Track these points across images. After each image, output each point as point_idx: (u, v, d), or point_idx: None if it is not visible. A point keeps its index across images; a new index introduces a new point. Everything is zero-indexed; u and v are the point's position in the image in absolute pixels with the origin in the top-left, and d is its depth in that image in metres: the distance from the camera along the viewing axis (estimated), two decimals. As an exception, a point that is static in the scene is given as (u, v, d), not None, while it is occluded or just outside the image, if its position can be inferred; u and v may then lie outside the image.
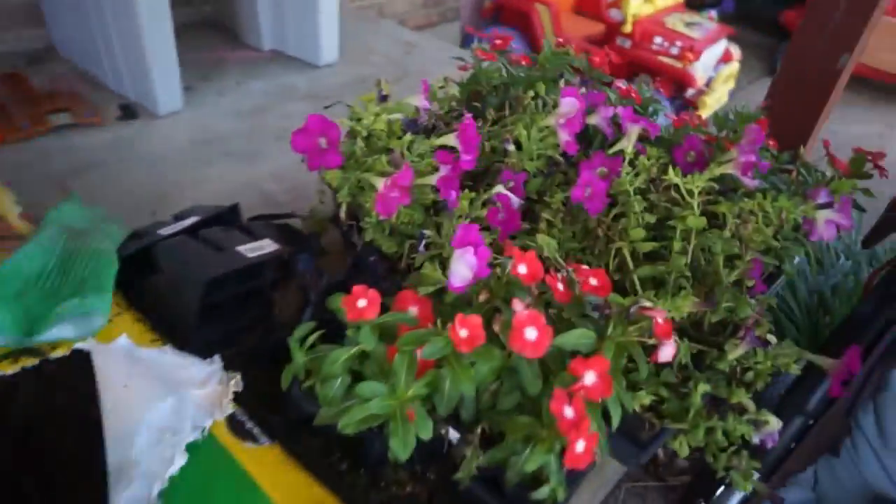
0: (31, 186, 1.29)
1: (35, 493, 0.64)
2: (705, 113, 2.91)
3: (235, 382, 0.81)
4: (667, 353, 0.66)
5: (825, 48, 1.20)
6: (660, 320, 0.65)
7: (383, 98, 0.94)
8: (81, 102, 1.62)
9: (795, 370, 0.75)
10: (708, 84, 2.93)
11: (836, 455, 0.98)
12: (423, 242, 0.86)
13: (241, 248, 0.96)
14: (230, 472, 0.71)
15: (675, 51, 2.82)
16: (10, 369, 0.76)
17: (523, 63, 1.27)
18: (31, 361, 0.79)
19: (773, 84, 1.31)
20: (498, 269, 0.75)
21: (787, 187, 1.00)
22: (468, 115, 0.84)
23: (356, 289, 0.71)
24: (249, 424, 0.78)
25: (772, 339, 0.86)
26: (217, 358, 0.84)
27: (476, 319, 0.67)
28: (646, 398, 0.75)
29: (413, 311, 0.76)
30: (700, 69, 2.84)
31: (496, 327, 0.69)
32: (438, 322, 0.70)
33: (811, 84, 1.24)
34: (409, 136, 0.87)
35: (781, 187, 0.99)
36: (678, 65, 2.81)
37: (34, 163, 1.43)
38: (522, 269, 0.71)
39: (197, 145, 1.59)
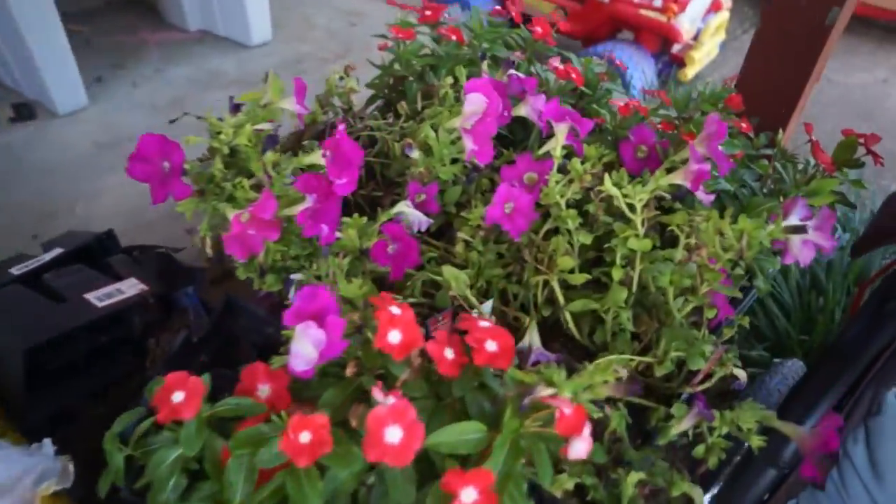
0: None
1: None
2: (693, 70, 2.66)
3: (61, 477, 0.65)
4: (578, 450, 0.49)
5: (811, 1, 0.99)
6: (566, 411, 0.48)
7: (236, 108, 0.75)
8: (-31, 105, 1.43)
9: (757, 442, 0.57)
10: (696, 37, 2.67)
11: (821, 488, 0.82)
12: (293, 289, 0.69)
13: (92, 296, 0.78)
14: None
15: (657, 2, 2.56)
16: None
17: (454, 38, 1.06)
18: None
19: (751, 46, 1.10)
20: (370, 333, 0.58)
21: (760, 185, 0.81)
22: (340, 125, 0.66)
23: (171, 378, 0.54)
24: None
25: (740, 374, 0.69)
26: (46, 443, 0.67)
27: (320, 420, 0.50)
28: (568, 482, 0.58)
29: (264, 390, 0.59)
30: (686, 21, 2.58)
31: (353, 422, 0.52)
32: (283, 413, 0.53)
33: (795, 44, 1.03)
34: (270, 154, 0.69)
35: (753, 185, 0.80)
36: (662, 18, 2.56)
37: None
38: (394, 338, 0.54)
39: (100, 149, 1.40)
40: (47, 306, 0.75)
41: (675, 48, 2.65)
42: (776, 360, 1.20)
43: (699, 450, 0.58)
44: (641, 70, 2.48)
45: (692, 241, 0.64)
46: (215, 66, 1.73)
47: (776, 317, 1.41)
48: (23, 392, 0.70)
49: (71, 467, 0.67)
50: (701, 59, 2.70)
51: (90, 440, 0.72)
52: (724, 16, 2.77)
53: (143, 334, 0.85)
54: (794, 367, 1.10)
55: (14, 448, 0.66)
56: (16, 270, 0.87)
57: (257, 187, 0.72)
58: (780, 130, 0.84)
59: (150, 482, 0.58)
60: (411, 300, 0.72)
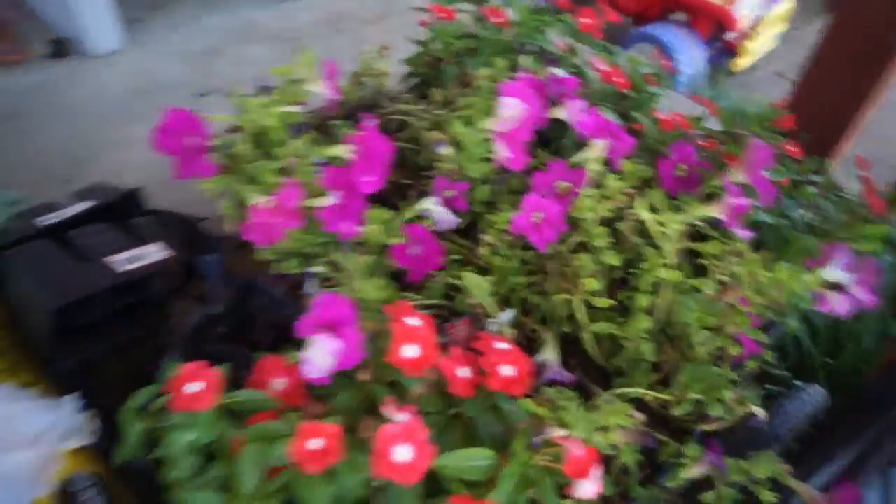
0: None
1: None
2: (746, 61, 2.55)
3: (84, 433, 0.66)
4: (586, 490, 0.49)
5: (881, 17, 0.93)
6: (577, 452, 0.48)
7: (268, 89, 0.73)
8: (6, 36, 1.42)
9: (769, 498, 0.57)
10: (753, 26, 2.54)
11: None
12: (311, 285, 0.68)
13: (116, 259, 0.79)
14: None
15: (717, -16, 2.44)
16: None
17: (494, 21, 1.02)
18: None
19: (809, 64, 1.04)
20: (383, 343, 0.57)
21: (803, 216, 0.78)
22: (368, 118, 0.64)
23: (187, 368, 0.54)
24: (87, 495, 0.64)
25: (759, 412, 0.67)
26: (71, 399, 0.69)
27: (332, 429, 0.50)
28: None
29: (278, 384, 0.59)
30: (745, 7, 2.46)
31: (363, 433, 0.52)
32: (296, 413, 0.54)
33: (857, 64, 0.97)
34: (295, 143, 0.67)
35: (797, 217, 0.77)
36: (718, 2, 2.44)
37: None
38: (410, 352, 0.53)
39: (133, 95, 1.39)
40: (74, 265, 0.76)
41: (730, 36, 2.54)
42: (797, 383, 1.17)
43: (708, 498, 0.58)
44: (691, 56, 2.38)
45: (724, 277, 0.62)
46: (254, 17, 1.69)
47: (802, 337, 1.38)
48: (50, 347, 0.72)
49: (93, 424, 0.68)
50: (756, 49, 2.58)
51: (111, 395, 0.73)
52: (787, 5, 2.63)
53: (165, 298, 0.86)
54: (814, 394, 1.08)
55: (41, 401, 0.68)
56: (43, 221, 0.88)
57: (283, 171, 0.71)
58: (829, 160, 0.80)
59: (164, 457, 0.59)
60: (430, 302, 0.72)
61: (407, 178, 0.91)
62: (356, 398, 0.56)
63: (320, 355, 0.51)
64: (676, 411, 0.61)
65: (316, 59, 0.82)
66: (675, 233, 0.64)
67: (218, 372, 0.54)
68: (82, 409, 0.70)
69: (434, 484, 0.53)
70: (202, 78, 1.48)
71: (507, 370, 0.54)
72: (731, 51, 2.58)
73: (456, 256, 0.76)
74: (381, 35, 1.66)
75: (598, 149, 0.70)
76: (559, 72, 0.87)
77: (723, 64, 2.58)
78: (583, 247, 0.73)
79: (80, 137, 1.27)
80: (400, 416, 0.50)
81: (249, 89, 0.85)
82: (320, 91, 0.73)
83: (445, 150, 0.78)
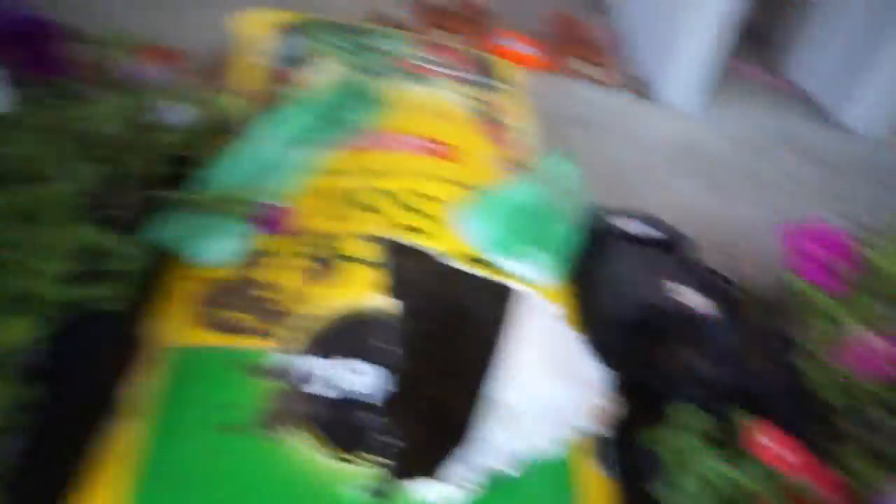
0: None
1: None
2: None
3: (617, 404, 0.83)
4: None
5: None
6: None
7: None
8: (607, 62, 1.77)
9: None
10: None
11: None
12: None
13: (673, 288, 0.97)
14: (562, 487, 0.75)
15: None
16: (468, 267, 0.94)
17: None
18: (485, 273, 0.94)
19: None
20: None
21: None
22: None
23: (774, 432, 0.66)
24: (608, 455, 0.80)
25: None
26: (613, 373, 0.86)
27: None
28: None
29: (814, 486, 0.68)
30: None
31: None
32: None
33: None
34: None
35: None
36: None
37: (548, 97, 1.63)
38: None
39: (683, 153, 1.60)
40: (649, 279, 0.96)
41: None
42: None
43: None
44: None
45: None
46: (805, 133, 1.77)
47: None
48: (613, 334, 0.91)
49: (623, 402, 0.84)
50: None
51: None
52: None
53: (676, 341, 1.01)
54: None
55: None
56: (620, 225, 1.11)
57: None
58: None
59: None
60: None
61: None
62: None
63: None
64: None
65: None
66: None
67: (801, 448, 0.65)
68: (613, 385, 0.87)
69: None
70: (745, 167, 1.63)
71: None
72: None
73: None
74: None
75: None
76: None
77: None
78: None
79: (625, 167, 1.52)
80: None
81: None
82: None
83: None
